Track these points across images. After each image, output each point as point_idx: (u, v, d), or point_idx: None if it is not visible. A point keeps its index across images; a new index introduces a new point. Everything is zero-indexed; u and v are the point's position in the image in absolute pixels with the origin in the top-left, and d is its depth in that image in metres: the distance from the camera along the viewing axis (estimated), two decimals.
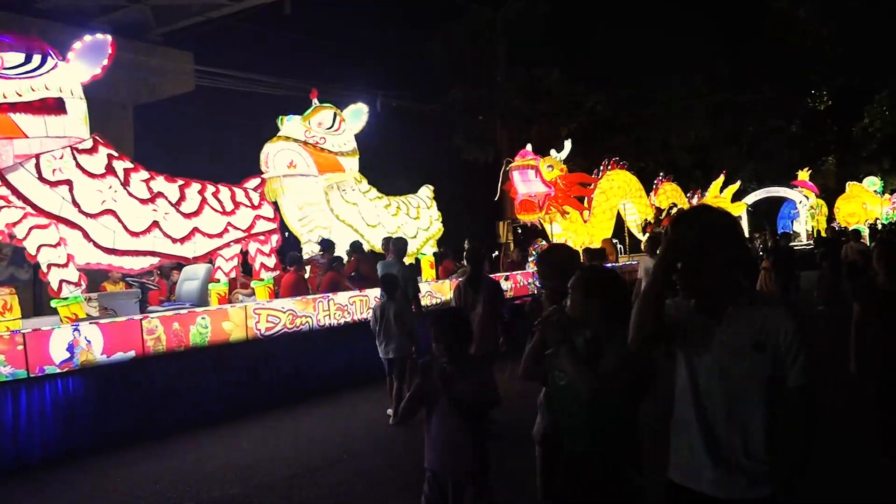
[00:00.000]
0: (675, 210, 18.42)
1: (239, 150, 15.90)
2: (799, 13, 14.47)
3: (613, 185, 18.45)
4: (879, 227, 28.94)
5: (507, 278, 12.70)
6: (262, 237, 9.05)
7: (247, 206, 8.88)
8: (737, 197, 26.98)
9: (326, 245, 10.24)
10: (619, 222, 19.85)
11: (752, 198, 30.59)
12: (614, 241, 20.28)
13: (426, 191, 13.37)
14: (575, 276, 2.94)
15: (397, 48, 22.18)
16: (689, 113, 25.04)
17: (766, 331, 2.21)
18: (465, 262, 13.43)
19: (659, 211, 18.55)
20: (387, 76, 21.46)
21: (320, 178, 10.17)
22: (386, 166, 21.00)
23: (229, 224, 8.56)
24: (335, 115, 10.65)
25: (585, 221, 17.40)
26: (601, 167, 18.44)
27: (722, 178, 24.18)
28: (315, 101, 11.22)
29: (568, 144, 16.67)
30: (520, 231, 19.10)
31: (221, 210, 8.51)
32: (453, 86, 21.55)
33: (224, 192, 8.74)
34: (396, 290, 7.78)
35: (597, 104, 22.59)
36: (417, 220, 12.48)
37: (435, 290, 11.22)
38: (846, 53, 15.70)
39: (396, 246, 8.46)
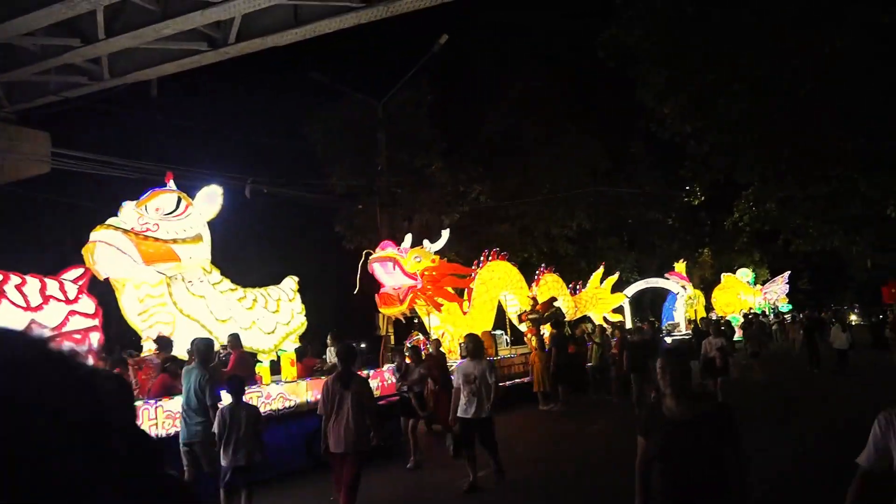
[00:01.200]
0: (555, 303, 18.26)
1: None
2: (664, 110, 14.90)
3: (494, 275, 18.21)
4: (751, 315, 30.12)
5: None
6: (77, 336, 7.93)
7: (59, 300, 7.80)
8: (619, 288, 27.52)
9: (162, 342, 9.17)
10: (503, 314, 19.57)
11: (633, 288, 31.32)
12: (498, 332, 19.93)
13: (290, 282, 12.54)
14: None
15: (276, 133, 21.71)
16: (572, 204, 25.55)
17: None
18: (327, 359, 12.62)
19: (535, 300, 18.35)
20: (265, 162, 20.85)
21: (149, 269, 9.17)
22: (260, 255, 20.10)
23: (34, 321, 7.41)
24: (179, 199, 9.79)
25: (465, 313, 16.95)
26: (482, 258, 18.24)
27: (601, 269, 24.57)
28: (171, 184, 10.40)
29: (445, 234, 16.34)
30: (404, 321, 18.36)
31: (25, 305, 7.40)
32: (333, 172, 21.12)
33: (32, 283, 7.65)
34: (243, 391, 7.46)
35: (480, 194, 22.64)
36: (277, 313, 11.57)
37: (288, 392, 10.22)
38: (711, 150, 16.24)
39: (198, 348, 7.58)
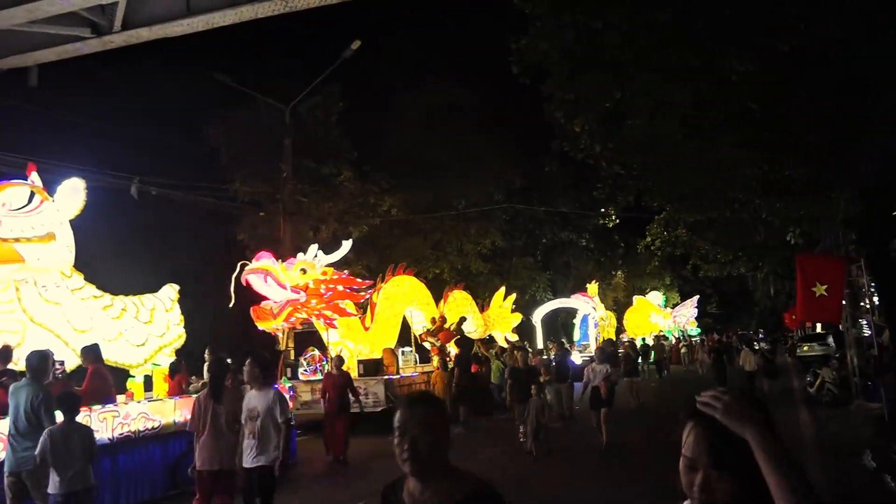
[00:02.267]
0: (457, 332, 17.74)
1: None
2: (574, 128, 14.54)
3: (399, 290, 17.60)
4: (650, 340, 30.45)
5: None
6: None
7: None
8: (531, 307, 27.31)
9: (1, 354, 8.10)
10: (409, 330, 18.93)
11: (543, 309, 31.18)
12: (407, 349, 19.26)
13: (169, 290, 11.52)
14: None
15: (176, 134, 20.58)
16: (486, 221, 25.25)
17: None
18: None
19: (444, 319, 17.80)
20: (163, 162, 19.62)
21: None
22: (152, 262, 18.81)
23: None
24: (33, 193, 8.76)
25: (367, 328, 16.23)
26: (387, 272, 17.59)
27: (503, 288, 24.27)
28: (33, 176, 9.36)
29: (346, 245, 15.61)
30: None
31: None
32: (237, 177, 20.09)
33: None
34: (77, 410, 6.44)
35: (391, 207, 22.02)
36: (150, 324, 10.56)
37: (152, 411, 9.25)
38: (621, 172, 16.00)
39: (30, 362, 6.67)
